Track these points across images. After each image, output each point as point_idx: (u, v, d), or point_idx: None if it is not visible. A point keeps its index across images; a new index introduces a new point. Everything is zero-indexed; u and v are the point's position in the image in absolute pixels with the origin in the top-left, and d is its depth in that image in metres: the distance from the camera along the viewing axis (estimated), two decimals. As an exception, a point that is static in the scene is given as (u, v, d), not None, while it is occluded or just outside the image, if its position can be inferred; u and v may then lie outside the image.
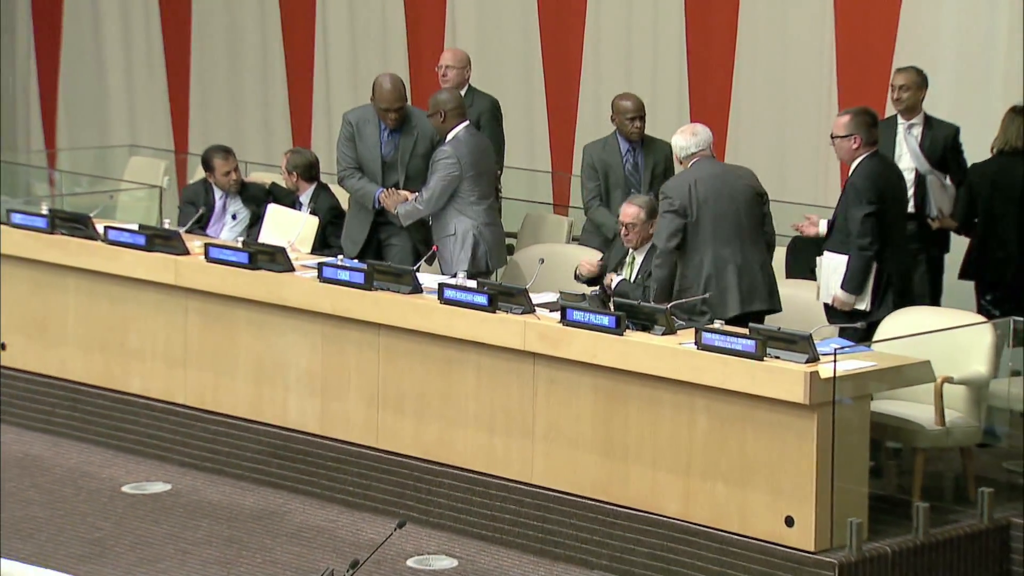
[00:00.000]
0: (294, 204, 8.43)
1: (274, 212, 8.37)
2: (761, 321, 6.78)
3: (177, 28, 11.60)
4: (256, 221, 8.49)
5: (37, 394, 8.41)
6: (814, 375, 6.25)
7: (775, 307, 7.08)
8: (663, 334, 6.68)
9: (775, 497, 6.37)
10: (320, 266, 7.54)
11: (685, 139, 7.18)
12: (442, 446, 7.21)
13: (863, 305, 7.04)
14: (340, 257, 7.72)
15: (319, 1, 10.95)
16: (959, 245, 8.02)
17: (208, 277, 7.84)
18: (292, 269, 7.67)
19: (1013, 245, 7.72)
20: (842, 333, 6.94)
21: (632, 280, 7.31)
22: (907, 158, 7.60)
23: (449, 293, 7.13)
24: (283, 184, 8.59)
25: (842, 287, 7.03)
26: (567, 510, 6.85)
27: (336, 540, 7.02)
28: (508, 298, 7.04)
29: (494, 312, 7.02)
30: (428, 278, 7.44)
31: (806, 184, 9.00)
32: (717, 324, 6.62)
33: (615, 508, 6.75)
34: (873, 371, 6.47)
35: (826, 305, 7.16)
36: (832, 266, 7.09)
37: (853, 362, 6.44)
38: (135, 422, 8.08)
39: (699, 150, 7.15)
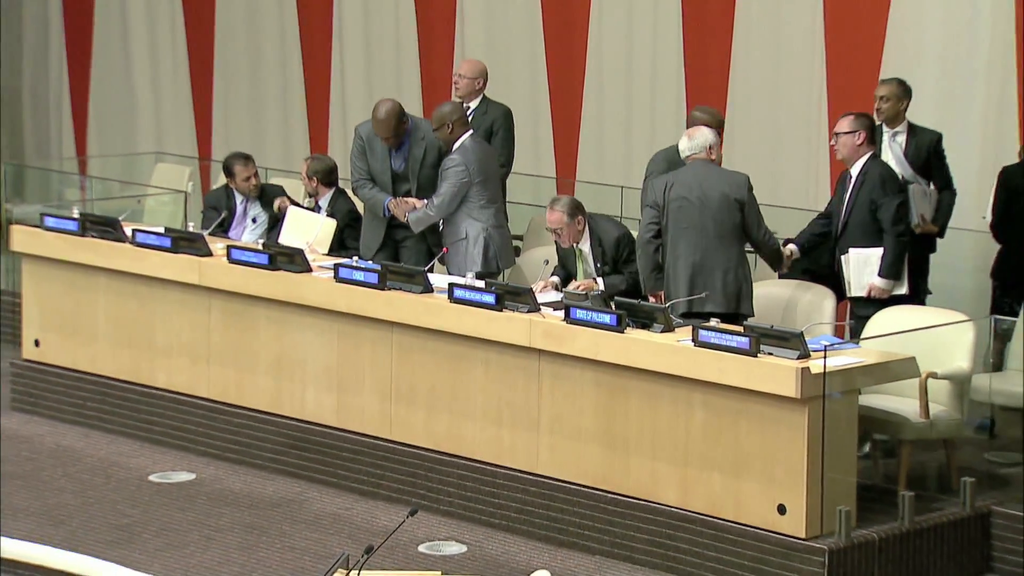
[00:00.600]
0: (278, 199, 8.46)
1: (293, 215, 8.37)
2: (734, 321, 6.76)
3: (201, 43, 11.62)
4: (275, 224, 8.49)
5: (69, 388, 8.41)
6: (805, 371, 6.24)
7: (740, 310, 6.94)
8: (662, 331, 6.67)
9: (768, 486, 6.36)
10: (336, 267, 7.54)
11: (684, 142, 7.21)
12: (452, 438, 7.21)
13: (902, 290, 7.13)
14: (356, 258, 7.71)
15: (336, 16, 10.96)
16: (959, 246, 7.98)
17: (230, 277, 7.84)
18: (310, 270, 7.67)
19: None
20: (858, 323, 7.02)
21: (597, 268, 7.41)
22: (892, 164, 7.59)
23: (459, 292, 7.13)
24: (302, 187, 8.62)
25: (880, 275, 7.12)
26: (570, 498, 6.85)
27: (352, 527, 7.02)
28: (515, 297, 7.03)
29: (501, 311, 7.01)
30: (439, 278, 7.43)
31: (797, 189, 8.98)
32: (713, 322, 6.61)
33: (616, 497, 6.74)
34: (861, 367, 6.46)
35: (854, 299, 7.20)
36: (862, 260, 7.17)
37: (842, 358, 6.43)
38: (161, 415, 8.08)
39: (692, 153, 7.14)
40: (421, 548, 6.79)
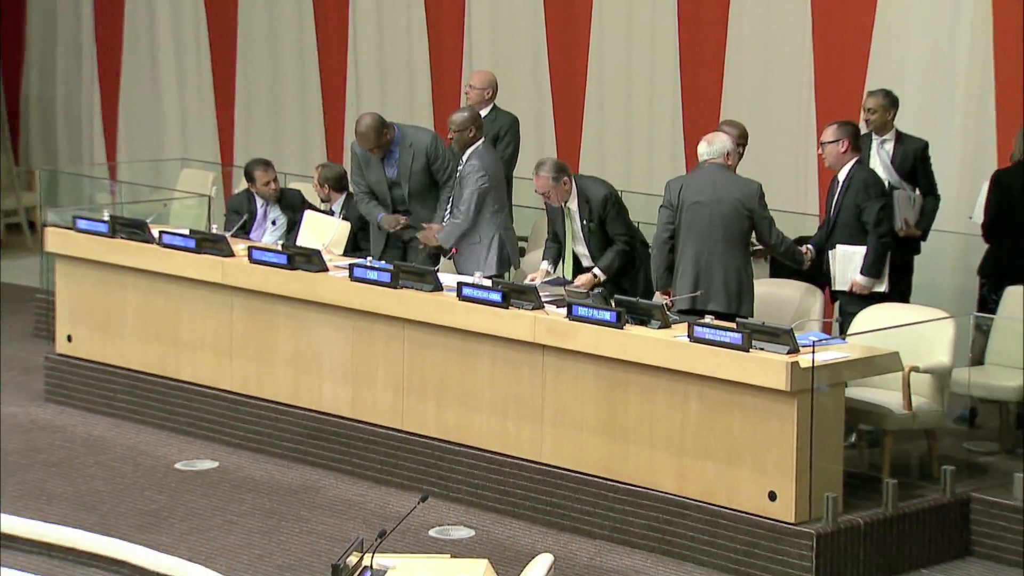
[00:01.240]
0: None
1: (310, 218, 8.37)
2: (731, 319, 6.75)
3: (224, 57, 11.63)
4: (293, 226, 8.48)
5: (100, 381, 8.41)
6: (795, 365, 6.23)
7: (740, 311, 6.89)
8: (659, 327, 6.66)
9: (759, 474, 6.35)
10: (351, 266, 7.53)
11: (703, 146, 7.14)
12: (460, 428, 7.19)
13: (882, 287, 7.13)
14: (369, 259, 7.70)
15: (351, 30, 10.96)
16: (940, 247, 7.96)
17: (251, 276, 7.83)
18: (326, 269, 7.66)
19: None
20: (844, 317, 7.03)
21: (583, 224, 7.29)
22: (880, 171, 7.57)
23: (467, 291, 7.12)
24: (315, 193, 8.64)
25: (862, 272, 7.12)
26: (573, 485, 6.83)
27: (366, 512, 7.01)
28: (520, 295, 7.02)
29: (507, 308, 7.00)
30: (448, 277, 7.42)
31: (787, 194, 8.96)
32: (708, 319, 6.60)
33: (616, 484, 6.72)
34: (847, 361, 6.45)
35: (837, 292, 7.19)
36: (847, 257, 7.15)
37: (829, 353, 6.42)
38: (186, 406, 8.08)
39: (710, 157, 7.09)
40: (431, 532, 6.78)
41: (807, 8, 8.99)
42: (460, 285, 7.16)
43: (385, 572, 4.85)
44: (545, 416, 6.95)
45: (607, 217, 7.38)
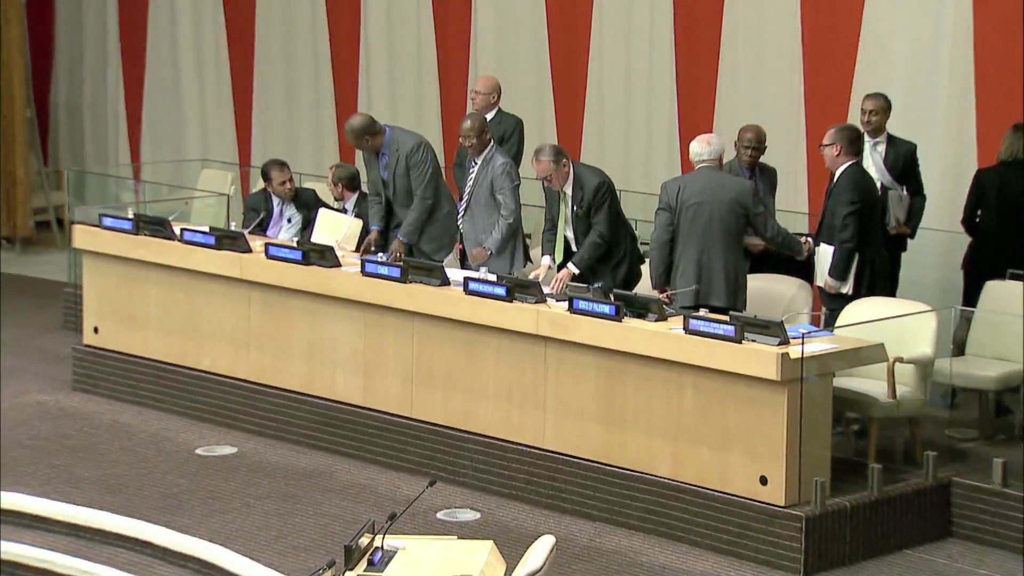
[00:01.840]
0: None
1: (324, 216, 8.35)
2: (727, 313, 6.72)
3: (242, 62, 11.62)
4: (308, 224, 8.47)
5: (124, 370, 8.40)
6: (785, 356, 6.21)
7: (735, 306, 6.86)
8: (656, 320, 6.64)
9: (751, 460, 6.33)
10: (363, 262, 7.51)
11: (700, 147, 7.09)
12: (467, 416, 7.18)
13: (846, 289, 7.08)
14: (380, 255, 7.68)
15: (362, 37, 10.94)
16: (924, 244, 7.93)
17: (268, 271, 7.81)
18: (339, 265, 7.64)
19: (1007, 243, 7.54)
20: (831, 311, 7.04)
21: (573, 209, 7.20)
22: (873, 172, 7.55)
23: (473, 285, 7.10)
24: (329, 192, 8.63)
25: (829, 273, 7.09)
26: (573, 470, 6.82)
27: (377, 496, 7.00)
28: (523, 290, 7.01)
29: (511, 302, 6.98)
30: (454, 272, 7.40)
31: (779, 192, 8.93)
32: (703, 312, 6.58)
33: (614, 469, 6.71)
34: (835, 352, 6.44)
35: (820, 288, 7.17)
36: (824, 256, 7.14)
37: (818, 344, 6.40)
38: (206, 394, 8.06)
39: (708, 158, 7.06)
40: (439, 515, 6.77)
41: (797, 17, 8.96)
42: (466, 280, 7.14)
43: (395, 553, 4.84)
44: (547, 404, 6.93)
45: (594, 204, 7.25)
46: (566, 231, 7.37)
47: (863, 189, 7.11)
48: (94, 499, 6.87)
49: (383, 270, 7.39)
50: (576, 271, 7.21)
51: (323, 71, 11.16)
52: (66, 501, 6.81)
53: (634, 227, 7.60)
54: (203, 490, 7.05)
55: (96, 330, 8.57)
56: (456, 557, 4.83)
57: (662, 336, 6.53)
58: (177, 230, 8.25)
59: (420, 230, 7.78)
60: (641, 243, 7.57)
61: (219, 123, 11.79)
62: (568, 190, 7.29)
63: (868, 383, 6.74)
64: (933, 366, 6.83)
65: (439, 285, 7.25)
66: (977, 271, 7.62)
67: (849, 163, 7.19)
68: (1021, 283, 7.34)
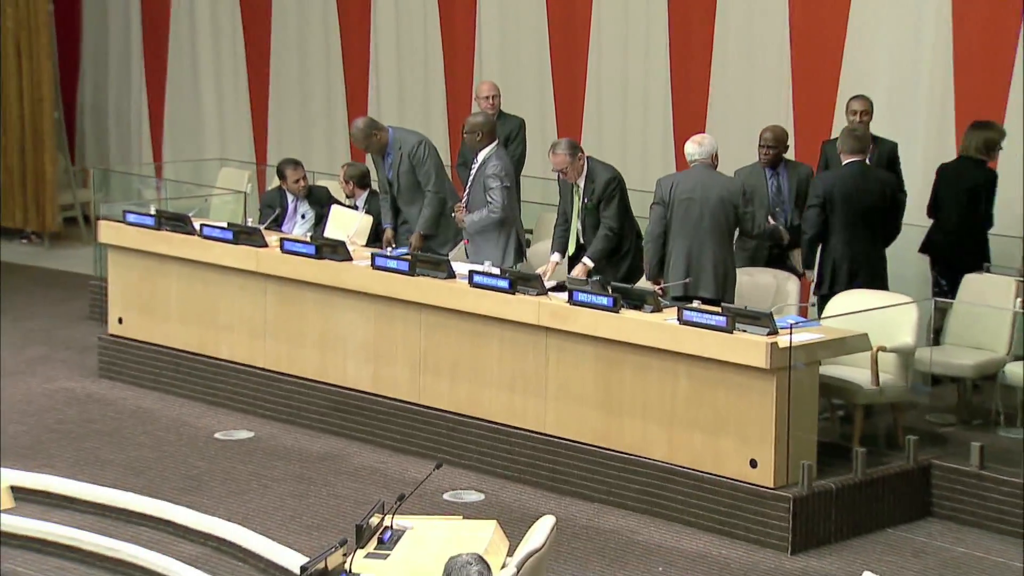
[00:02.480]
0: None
1: (336, 212, 8.33)
2: (717, 304, 6.70)
3: (258, 66, 11.61)
4: (321, 220, 8.45)
5: (147, 358, 8.38)
6: (774, 345, 6.19)
7: (723, 298, 6.82)
8: (651, 312, 6.62)
9: (742, 444, 6.31)
10: (373, 256, 7.49)
11: (693, 146, 7.06)
12: (472, 402, 7.16)
13: (812, 277, 7.18)
14: (389, 249, 7.65)
15: (372, 42, 10.92)
16: (905, 238, 7.91)
17: (283, 265, 7.79)
18: (350, 259, 7.62)
19: (960, 230, 7.57)
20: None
21: (584, 202, 7.19)
22: None
23: (477, 278, 7.08)
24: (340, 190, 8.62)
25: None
26: (573, 454, 6.80)
27: (386, 478, 6.98)
28: (525, 282, 6.98)
29: (514, 294, 6.96)
30: (460, 266, 7.37)
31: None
32: (696, 304, 6.56)
33: (612, 452, 6.69)
34: (821, 342, 6.41)
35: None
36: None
37: (805, 334, 6.38)
38: (224, 381, 8.05)
39: (700, 157, 7.02)
40: (445, 496, 6.75)
41: (785, 23, 8.94)
42: (471, 273, 7.12)
43: (404, 532, 4.83)
44: (548, 391, 6.91)
45: (604, 198, 7.22)
46: (577, 223, 7.34)
47: (828, 187, 7.13)
48: (118, 480, 6.86)
49: (392, 264, 7.37)
50: (591, 264, 7.19)
51: (335, 75, 11.15)
52: (92, 482, 6.81)
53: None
54: (221, 472, 7.04)
55: (120, 320, 8.56)
56: (461, 536, 4.82)
57: (657, 327, 6.51)
58: (197, 226, 8.23)
59: (436, 222, 7.77)
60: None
61: (236, 124, 11.78)
62: (581, 183, 7.28)
63: (853, 371, 6.72)
64: (914, 355, 6.82)
65: (445, 278, 7.23)
66: (933, 254, 7.65)
67: (848, 161, 7.20)
68: (996, 276, 7.34)
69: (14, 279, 10.87)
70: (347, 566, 4.48)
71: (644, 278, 7.14)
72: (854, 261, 7.14)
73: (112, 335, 8.58)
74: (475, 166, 7.70)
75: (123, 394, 8.25)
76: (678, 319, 6.45)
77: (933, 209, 7.70)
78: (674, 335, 6.45)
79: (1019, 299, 7.10)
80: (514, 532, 5.13)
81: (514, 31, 10.18)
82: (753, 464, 6.29)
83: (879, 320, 6.68)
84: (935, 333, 7.19)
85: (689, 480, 6.45)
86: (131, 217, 8.52)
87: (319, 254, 7.67)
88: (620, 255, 7.27)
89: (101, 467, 7.07)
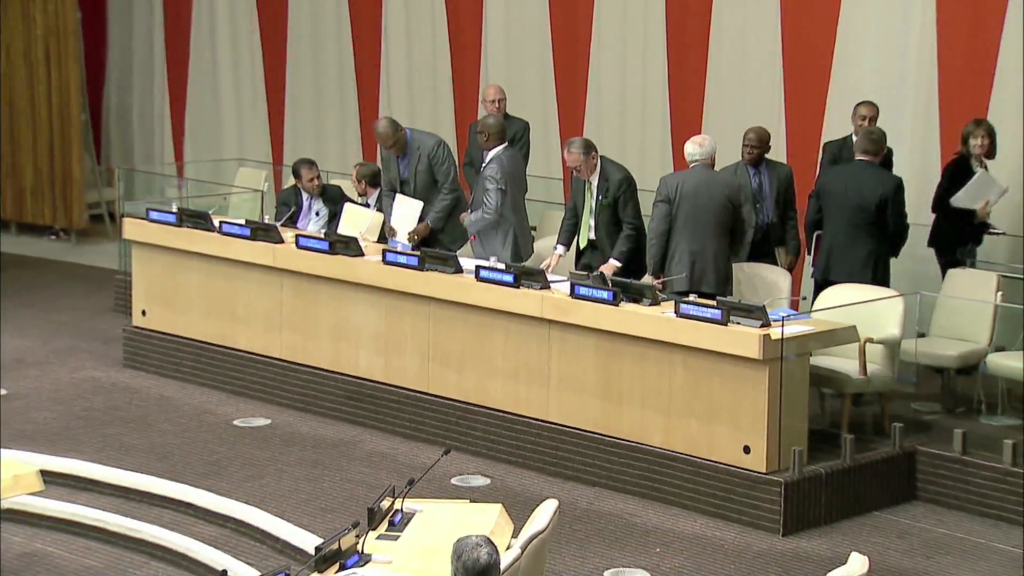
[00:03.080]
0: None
1: (348, 210, 8.31)
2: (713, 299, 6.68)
3: (275, 72, 11.60)
4: (334, 217, 8.43)
5: (169, 349, 8.37)
6: (766, 337, 6.17)
7: (724, 292, 6.81)
8: (650, 305, 6.59)
9: (736, 431, 6.29)
10: (384, 252, 7.47)
11: (693, 147, 7.03)
12: (478, 391, 7.14)
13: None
14: (399, 245, 7.63)
15: (383, 47, 10.91)
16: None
17: (298, 260, 7.78)
18: (362, 254, 7.60)
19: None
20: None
21: (597, 199, 7.16)
22: None
23: (483, 273, 7.06)
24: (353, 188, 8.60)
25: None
26: (575, 441, 6.78)
27: (397, 463, 6.97)
28: (529, 277, 6.96)
29: (518, 288, 6.94)
30: (467, 261, 7.35)
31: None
32: (692, 297, 6.54)
33: (612, 439, 6.68)
34: (812, 334, 6.40)
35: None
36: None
37: (796, 327, 6.36)
38: (243, 371, 8.04)
39: (701, 158, 7.00)
40: (453, 481, 6.74)
41: (777, 30, 8.91)
42: (478, 268, 7.10)
43: (413, 515, 4.81)
44: (551, 381, 6.89)
45: (619, 197, 7.18)
46: (589, 219, 7.32)
47: (823, 182, 7.24)
48: (142, 465, 6.85)
49: (402, 259, 7.36)
50: (619, 264, 7.15)
51: (347, 81, 11.15)
52: (117, 466, 6.80)
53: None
54: (240, 457, 7.03)
55: (144, 313, 8.55)
56: (468, 519, 4.81)
57: (655, 319, 6.49)
58: (216, 223, 8.21)
59: (447, 218, 7.77)
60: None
61: (254, 126, 11.77)
62: (594, 181, 7.25)
63: (842, 362, 6.70)
64: (900, 346, 6.79)
65: (453, 273, 7.21)
66: (938, 245, 7.63)
67: (858, 158, 7.24)
68: (979, 271, 7.31)
69: (43, 273, 10.87)
70: (359, 547, 4.47)
71: (648, 273, 7.11)
72: (834, 249, 7.14)
73: (136, 327, 8.57)
74: (484, 165, 7.70)
75: (146, 383, 8.24)
76: (675, 312, 6.42)
77: (938, 205, 7.63)
78: (671, 327, 6.43)
79: (1000, 293, 7.08)
80: (518, 515, 5.11)
81: (519, 36, 10.15)
82: (746, 450, 6.27)
83: (867, 313, 6.66)
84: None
85: (685, 465, 6.43)
86: (154, 215, 8.51)
87: (332, 250, 7.66)
88: (641, 253, 7.24)
89: (125, 452, 7.06)
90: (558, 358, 6.87)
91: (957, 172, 7.57)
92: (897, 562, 5.92)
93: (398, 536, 4.64)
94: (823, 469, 6.29)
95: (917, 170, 8.18)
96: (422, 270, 7.29)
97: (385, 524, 4.72)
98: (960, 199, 7.49)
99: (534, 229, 8.67)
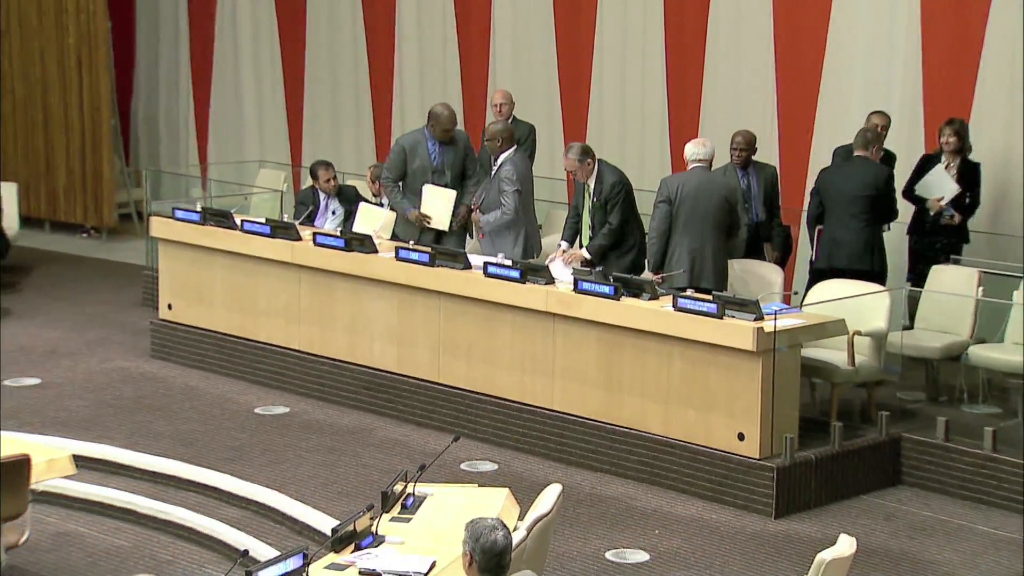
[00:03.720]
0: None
1: (363, 209, 8.30)
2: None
3: (294, 78, 11.59)
4: (350, 216, 8.42)
5: (194, 341, 8.37)
6: (760, 330, 6.16)
7: (721, 288, 6.79)
8: (649, 299, 6.58)
9: (731, 419, 6.28)
10: (397, 249, 7.46)
11: (695, 148, 7.01)
12: (486, 381, 7.13)
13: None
14: (411, 242, 7.63)
15: (396, 55, 10.90)
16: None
17: (315, 257, 7.77)
18: (376, 251, 7.59)
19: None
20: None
21: (592, 201, 7.12)
22: None
23: (491, 269, 7.05)
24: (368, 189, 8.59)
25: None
26: (578, 428, 6.78)
27: (409, 449, 6.97)
28: (535, 273, 6.95)
29: (524, 283, 6.93)
30: (475, 258, 7.34)
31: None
32: (689, 292, 6.52)
33: (614, 427, 6.67)
34: (803, 327, 6.38)
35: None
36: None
37: (788, 320, 6.35)
38: (263, 362, 8.03)
39: (702, 158, 6.98)
40: (462, 466, 6.73)
41: (770, 36, 8.89)
42: (486, 264, 7.09)
43: (424, 498, 4.81)
44: (555, 371, 6.88)
45: (610, 199, 7.16)
46: (588, 219, 7.31)
47: (821, 180, 7.30)
48: (169, 450, 6.85)
49: (414, 256, 7.35)
50: (587, 256, 7.14)
51: (362, 86, 11.14)
52: (145, 452, 6.81)
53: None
54: (261, 444, 7.03)
55: (170, 306, 8.55)
56: (476, 502, 4.81)
57: (654, 313, 6.47)
58: (238, 221, 8.21)
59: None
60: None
61: (274, 130, 11.77)
62: (591, 183, 7.23)
63: (831, 353, 6.69)
64: (887, 338, 6.78)
65: (462, 269, 7.20)
66: (918, 235, 7.69)
67: (856, 154, 7.26)
68: (962, 267, 7.30)
69: (75, 269, 10.88)
70: (374, 528, 4.47)
71: (648, 270, 7.09)
72: (835, 237, 7.16)
73: (163, 320, 8.57)
74: (494, 169, 7.66)
75: (172, 373, 8.24)
76: (673, 306, 6.41)
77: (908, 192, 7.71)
78: (669, 320, 6.41)
79: (981, 288, 7.07)
80: (524, 499, 5.11)
81: (526, 43, 10.13)
82: (741, 437, 6.26)
83: (855, 307, 6.64)
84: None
85: (683, 452, 6.42)
86: (179, 213, 8.50)
87: (348, 247, 7.65)
88: (624, 250, 7.23)
89: (153, 438, 7.06)
90: (562, 350, 6.85)
91: (927, 165, 7.67)
92: (883, 543, 5.91)
93: (410, 518, 4.64)
94: (813, 455, 6.28)
95: (902, 168, 8.14)
96: (433, 266, 7.27)
97: (398, 507, 4.72)
98: (920, 187, 7.61)
99: (540, 227, 8.66)
